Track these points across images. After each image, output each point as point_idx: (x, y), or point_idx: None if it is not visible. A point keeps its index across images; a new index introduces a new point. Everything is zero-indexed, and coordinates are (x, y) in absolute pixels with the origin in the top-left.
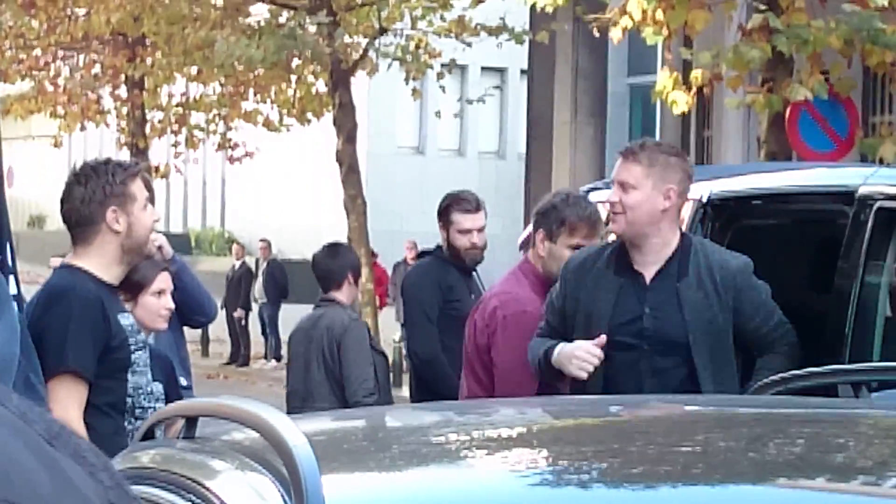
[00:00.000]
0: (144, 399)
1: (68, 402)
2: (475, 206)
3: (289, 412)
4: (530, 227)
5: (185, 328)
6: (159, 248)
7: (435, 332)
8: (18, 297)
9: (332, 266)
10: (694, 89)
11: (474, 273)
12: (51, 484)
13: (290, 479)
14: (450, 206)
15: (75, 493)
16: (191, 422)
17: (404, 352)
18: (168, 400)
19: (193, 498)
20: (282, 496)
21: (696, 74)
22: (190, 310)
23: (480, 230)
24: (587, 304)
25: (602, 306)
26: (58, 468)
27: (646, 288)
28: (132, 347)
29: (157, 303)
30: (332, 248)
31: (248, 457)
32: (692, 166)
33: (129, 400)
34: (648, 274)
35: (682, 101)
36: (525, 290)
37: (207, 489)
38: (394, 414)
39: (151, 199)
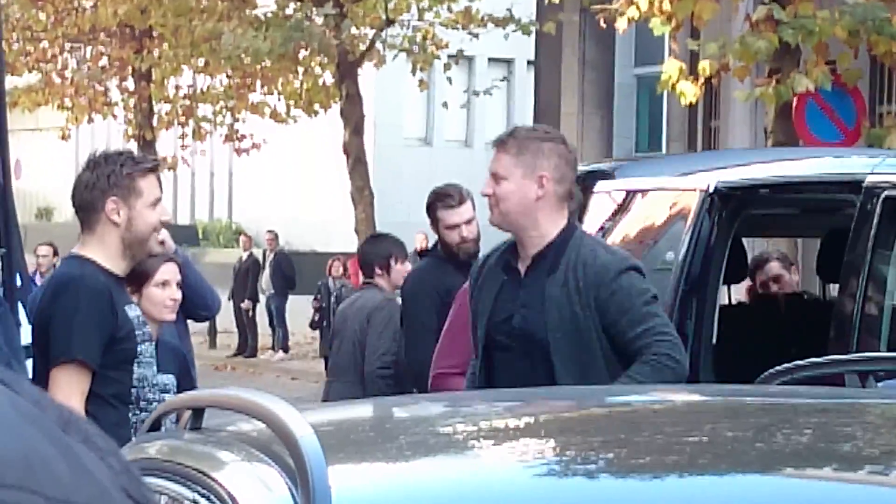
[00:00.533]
0: (150, 391)
1: (71, 391)
2: (458, 199)
3: (327, 384)
4: None
5: (191, 321)
6: (161, 242)
7: (429, 343)
8: (22, 290)
9: (369, 252)
10: (702, 80)
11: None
12: (68, 471)
13: (296, 470)
14: (433, 204)
15: (91, 479)
16: (197, 413)
17: None
18: (181, 391)
19: (200, 489)
20: (288, 487)
21: (704, 65)
22: (193, 304)
23: (468, 222)
24: (475, 302)
25: (484, 305)
26: (73, 455)
27: (520, 285)
28: (138, 339)
29: (161, 294)
30: (375, 237)
31: (254, 448)
32: (576, 152)
33: (134, 391)
34: (524, 270)
35: (689, 92)
36: None
37: (214, 480)
38: (400, 405)
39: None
